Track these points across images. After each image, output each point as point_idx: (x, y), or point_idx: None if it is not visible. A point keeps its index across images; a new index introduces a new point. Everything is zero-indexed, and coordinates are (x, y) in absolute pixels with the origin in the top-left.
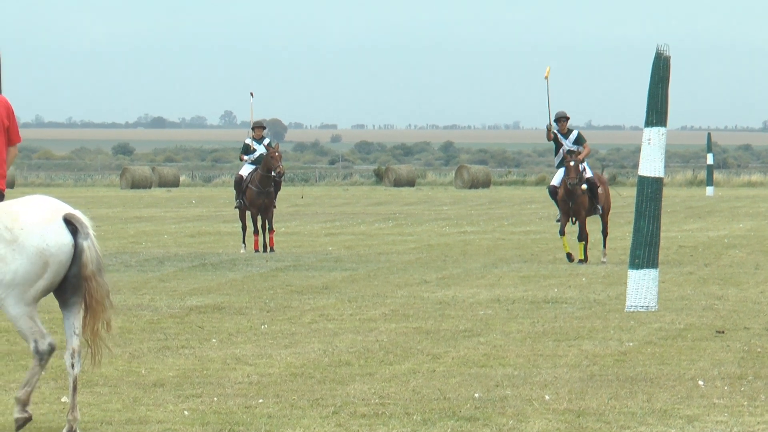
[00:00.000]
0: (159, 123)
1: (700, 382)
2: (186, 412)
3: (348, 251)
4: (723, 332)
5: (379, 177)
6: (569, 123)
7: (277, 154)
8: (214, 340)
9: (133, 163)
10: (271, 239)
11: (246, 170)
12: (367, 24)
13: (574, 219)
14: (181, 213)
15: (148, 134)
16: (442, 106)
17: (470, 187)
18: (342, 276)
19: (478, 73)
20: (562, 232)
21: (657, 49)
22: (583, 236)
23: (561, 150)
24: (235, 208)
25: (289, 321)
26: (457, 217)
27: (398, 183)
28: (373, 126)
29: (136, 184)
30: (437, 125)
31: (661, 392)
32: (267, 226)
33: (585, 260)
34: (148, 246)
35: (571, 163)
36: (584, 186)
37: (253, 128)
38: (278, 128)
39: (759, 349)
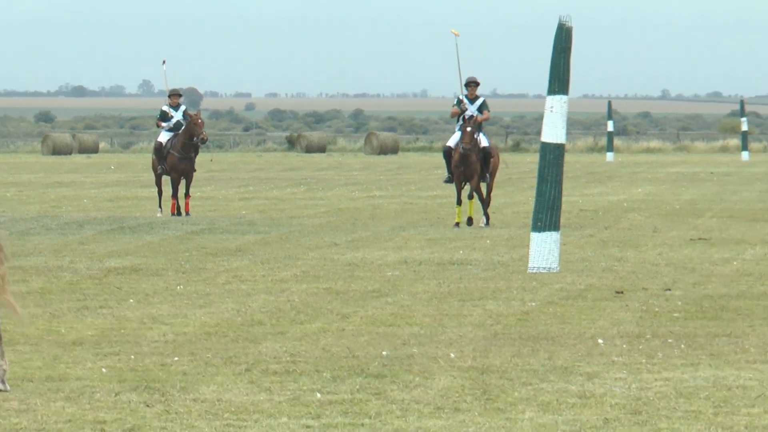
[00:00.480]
0: (79, 92)
1: (600, 341)
2: (104, 370)
3: (261, 215)
4: (622, 293)
5: (292, 144)
6: (478, 90)
7: (200, 121)
8: (131, 301)
9: (54, 131)
10: (187, 204)
11: (165, 137)
12: None
13: (464, 184)
14: (100, 178)
15: (69, 103)
16: (353, 76)
17: (379, 153)
18: (255, 239)
19: (387, 43)
20: (459, 201)
21: (559, 20)
22: (473, 195)
23: (464, 114)
24: (159, 174)
25: (203, 282)
26: (367, 182)
27: (310, 149)
28: (286, 94)
29: (57, 151)
30: (347, 94)
31: (562, 350)
32: (185, 191)
33: (471, 220)
34: (69, 210)
35: (468, 129)
36: None
37: (169, 96)
38: (194, 96)
39: (656, 309)
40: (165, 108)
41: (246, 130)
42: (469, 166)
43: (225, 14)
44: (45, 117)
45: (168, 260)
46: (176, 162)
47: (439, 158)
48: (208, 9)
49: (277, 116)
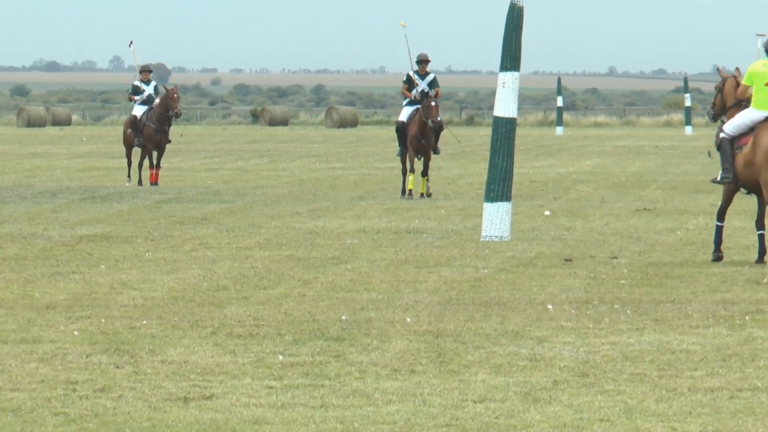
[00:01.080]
0: (53, 67)
1: (549, 306)
2: (76, 332)
3: (226, 185)
4: (570, 260)
5: (256, 117)
6: (429, 66)
7: (176, 96)
8: (102, 266)
9: (28, 104)
10: (156, 174)
11: (139, 110)
12: None
13: (419, 156)
14: (72, 150)
15: (43, 77)
16: (314, 52)
17: (339, 127)
18: (220, 208)
19: (346, 21)
20: (412, 170)
21: (511, 0)
22: (427, 172)
23: (414, 90)
24: (136, 145)
25: (171, 249)
26: (327, 154)
27: (273, 123)
28: (251, 70)
29: (32, 123)
30: (309, 70)
31: (514, 315)
32: (156, 163)
33: (429, 194)
34: (42, 180)
35: (432, 103)
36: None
37: (140, 72)
38: (162, 72)
39: (603, 276)
40: (137, 83)
41: (212, 104)
42: (428, 140)
43: None
44: (20, 91)
45: (137, 228)
46: (152, 134)
47: None
48: None
49: (242, 91)
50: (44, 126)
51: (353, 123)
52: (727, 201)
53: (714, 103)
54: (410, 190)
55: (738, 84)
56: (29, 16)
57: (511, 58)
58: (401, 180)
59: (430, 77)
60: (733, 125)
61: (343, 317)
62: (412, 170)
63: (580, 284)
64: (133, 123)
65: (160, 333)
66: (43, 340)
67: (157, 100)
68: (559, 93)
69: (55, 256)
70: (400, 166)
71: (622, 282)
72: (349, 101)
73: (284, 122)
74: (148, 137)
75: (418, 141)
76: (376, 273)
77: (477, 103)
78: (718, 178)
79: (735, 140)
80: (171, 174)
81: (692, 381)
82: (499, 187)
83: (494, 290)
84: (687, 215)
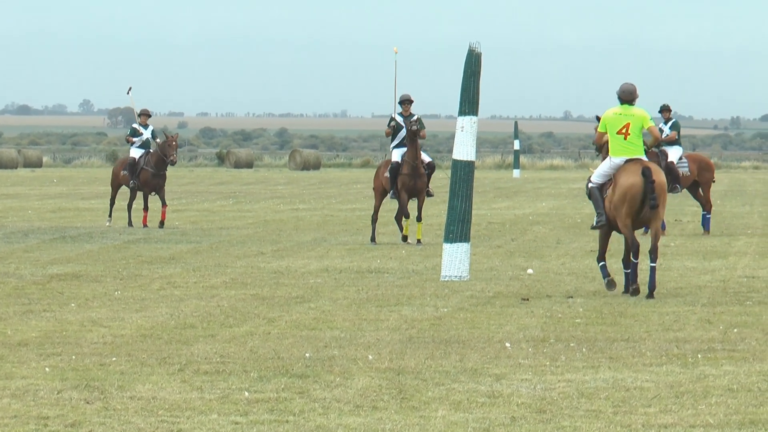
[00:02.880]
0: (24, 110)
1: (507, 344)
2: (47, 369)
3: (193, 226)
4: (528, 300)
5: (221, 159)
6: (412, 107)
7: (174, 143)
8: (72, 305)
9: (0, 146)
10: (163, 213)
11: (136, 153)
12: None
13: (412, 198)
14: (43, 191)
15: (15, 120)
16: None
17: (302, 169)
18: (187, 248)
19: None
20: (407, 215)
21: (469, 47)
22: (420, 216)
23: (399, 131)
24: (131, 188)
25: (139, 288)
26: (291, 195)
27: (238, 165)
28: (216, 114)
29: (3, 165)
30: (273, 113)
31: (472, 353)
32: (161, 202)
33: (420, 242)
34: (14, 220)
35: (413, 128)
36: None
37: (139, 115)
38: (130, 115)
39: (560, 315)
40: (135, 125)
41: (179, 146)
42: (420, 179)
43: (158, 39)
44: None
45: (106, 267)
46: (149, 177)
47: (358, 173)
48: (143, 34)
49: (208, 134)
50: (16, 168)
51: (316, 165)
52: (604, 244)
53: (596, 142)
54: (405, 237)
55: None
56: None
57: (469, 103)
58: (371, 228)
59: (414, 119)
60: (598, 174)
61: (307, 355)
62: (407, 215)
63: (537, 323)
64: (131, 165)
65: (129, 369)
66: (15, 377)
67: (153, 145)
68: (516, 137)
69: (27, 295)
70: (361, 206)
71: (577, 321)
72: (311, 144)
73: (249, 164)
74: (145, 181)
75: (411, 179)
76: (338, 311)
77: (436, 147)
78: (595, 224)
79: (603, 187)
80: (139, 215)
81: (646, 417)
82: (458, 228)
83: (454, 328)
84: (641, 256)
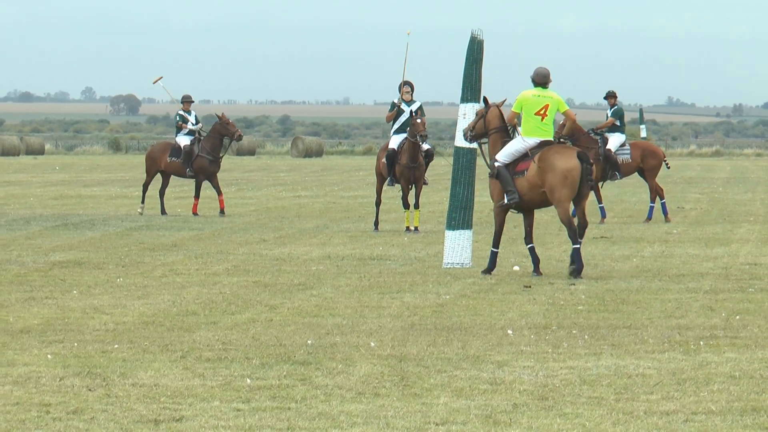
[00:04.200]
0: (26, 97)
1: (509, 331)
2: (49, 356)
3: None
4: (530, 287)
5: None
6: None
7: (230, 120)
8: (74, 292)
9: (3, 134)
10: (221, 201)
11: (185, 140)
12: (214, 8)
13: (411, 186)
14: (45, 178)
15: (17, 107)
16: (280, 84)
17: (305, 156)
18: (189, 235)
19: (311, 53)
20: (407, 206)
21: (472, 34)
22: (418, 204)
23: (400, 116)
24: (189, 176)
25: (141, 275)
26: (293, 182)
27: (240, 152)
28: (218, 101)
29: (6, 152)
30: (275, 101)
31: (475, 340)
32: (217, 191)
33: (417, 229)
34: (16, 207)
35: (418, 120)
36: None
37: (182, 101)
38: (133, 102)
39: (562, 302)
40: (181, 112)
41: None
42: (418, 168)
43: (160, 26)
44: None
45: (108, 254)
46: (206, 165)
47: (360, 161)
48: (146, 21)
49: (210, 122)
50: (18, 155)
51: (318, 153)
52: (500, 230)
53: (474, 127)
54: (407, 227)
55: (501, 113)
56: (3, 49)
57: (471, 90)
58: (374, 211)
59: (416, 104)
60: (505, 154)
61: (309, 342)
62: (407, 206)
63: (539, 310)
64: (187, 153)
65: (131, 357)
66: (17, 364)
67: (195, 130)
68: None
69: (29, 282)
70: (363, 193)
71: (579, 308)
72: (314, 131)
73: (251, 152)
74: (201, 168)
75: (409, 170)
76: (340, 299)
77: (438, 134)
78: (505, 201)
79: (510, 166)
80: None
81: (648, 404)
82: (460, 215)
83: (456, 316)
84: (642, 243)
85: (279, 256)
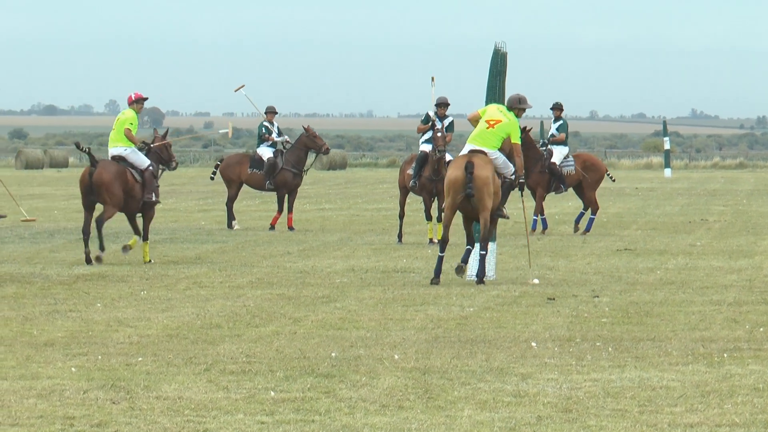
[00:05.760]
0: (51, 110)
1: (533, 344)
2: (73, 369)
3: (219, 226)
4: (554, 299)
5: None
6: (448, 110)
7: (316, 134)
8: (98, 305)
9: (27, 147)
10: (290, 219)
11: (267, 152)
12: (237, 22)
13: (433, 199)
14: (69, 191)
15: (41, 120)
16: (304, 97)
17: (328, 169)
18: (213, 248)
19: (335, 66)
20: (430, 218)
21: (495, 46)
22: (441, 217)
23: (432, 129)
24: (269, 189)
25: (165, 288)
26: (317, 195)
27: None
28: (242, 114)
29: (30, 165)
30: (299, 113)
31: (498, 352)
32: (288, 207)
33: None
34: (41, 220)
35: (439, 134)
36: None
37: (266, 113)
38: (156, 115)
39: (586, 315)
40: (266, 123)
41: (205, 146)
42: (440, 181)
43: (184, 39)
44: (18, 134)
45: (132, 267)
46: (290, 179)
47: (384, 173)
48: (169, 34)
49: (234, 134)
50: (42, 168)
51: (342, 165)
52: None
53: None
54: (431, 240)
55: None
56: (28, 62)
57: (494, 102)
58: (398, 224)
59: (448, 120)
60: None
61: (333, 354)
62: (430, 218)
63: (563, 322)
64: (270, 165)
65: (155, 369)
66: (42, 377)
67: (279, 142)
68: (542, 136)
69: (53, 295)
70: (387, 206)
71: (603, 320)
72: (338, 144)
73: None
74: (284, 182)
75: (432, 182)
76: (364, 311)
77: (461, 147)
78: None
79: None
80: (165, 215)
81: (672, 417)
82: None
83: (480, 328)
84: (666, 255)
85: (303, 269)
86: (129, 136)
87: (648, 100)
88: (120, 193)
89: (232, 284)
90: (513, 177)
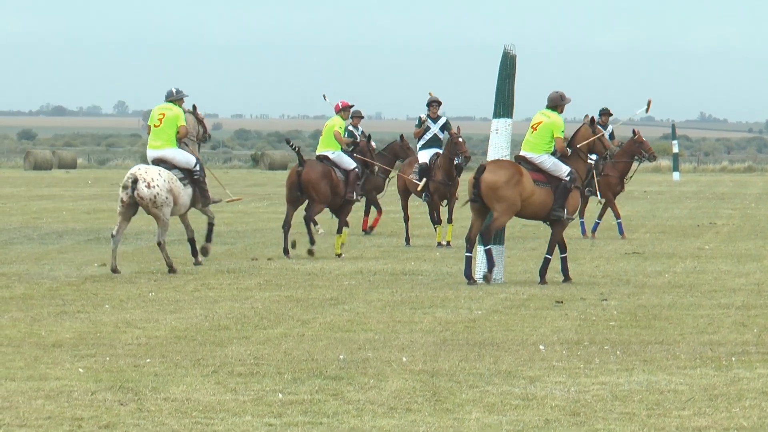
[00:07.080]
0: (59, 111)
1: (541, 347)
2: (81, 370)
3: (227, 227)
4: (562, 302)
5: (256, 161)
6: (440, 109)
7: (461, 139)
8: (107, 306)
9: (35, 147)
10: (376, 220)
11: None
12: (245, 24)
13: (444, 203)
14: (78, 192)
15: (50, 121)
16: (312, 99)
17: None
18: (222, 250)
19: (344, 68)
20: (439, 221)
21: (504, 49)
22: (451, 218)
23: (426, 133)
24: (359, 198)
25: (174, 289)
26: None
27: (272, 167)
28: (251, 115)
29: (38, 166)
30: (307, 115)
31: (507, 355)
32: (378, 209)
33: (449, 243)
34: (49, 221)
35: (460, 139)
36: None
37: (351, 117)
38: None
39: (594, 318)
40: (351, 128)
41: (213, 148)
42: (455, 183)
43: (192, 41)
44: (27, 135)
45: (140, 269)
46: (380, 183)
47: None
48: (178, 36)
49: (242, 136)
50: (50, 169)
51: None
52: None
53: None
54: (439, 243)
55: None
56: (36, 63)
57: (503, 105)
58: (404, 227)
59: (442, 120)
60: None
61: (341, 357)
62: (439, 221)
63: (571, 325)
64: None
65: (163, 371)
66: (50, 378)
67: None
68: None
69: (61, 296)
70: (395, 208)
71: (611, 323)
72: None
73: (284, 166)
74: (375, 186)
75: (445, 186)
76: (372, 314)
77: (470, 149)
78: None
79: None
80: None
81: (680, 420)
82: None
83: (488, 331)
84: (675, 259)
85: (311, 271)
86: (338, 139)
87: (657, 103)
88: (327, 190)
89: (240, 286)
90: (568, 178)
